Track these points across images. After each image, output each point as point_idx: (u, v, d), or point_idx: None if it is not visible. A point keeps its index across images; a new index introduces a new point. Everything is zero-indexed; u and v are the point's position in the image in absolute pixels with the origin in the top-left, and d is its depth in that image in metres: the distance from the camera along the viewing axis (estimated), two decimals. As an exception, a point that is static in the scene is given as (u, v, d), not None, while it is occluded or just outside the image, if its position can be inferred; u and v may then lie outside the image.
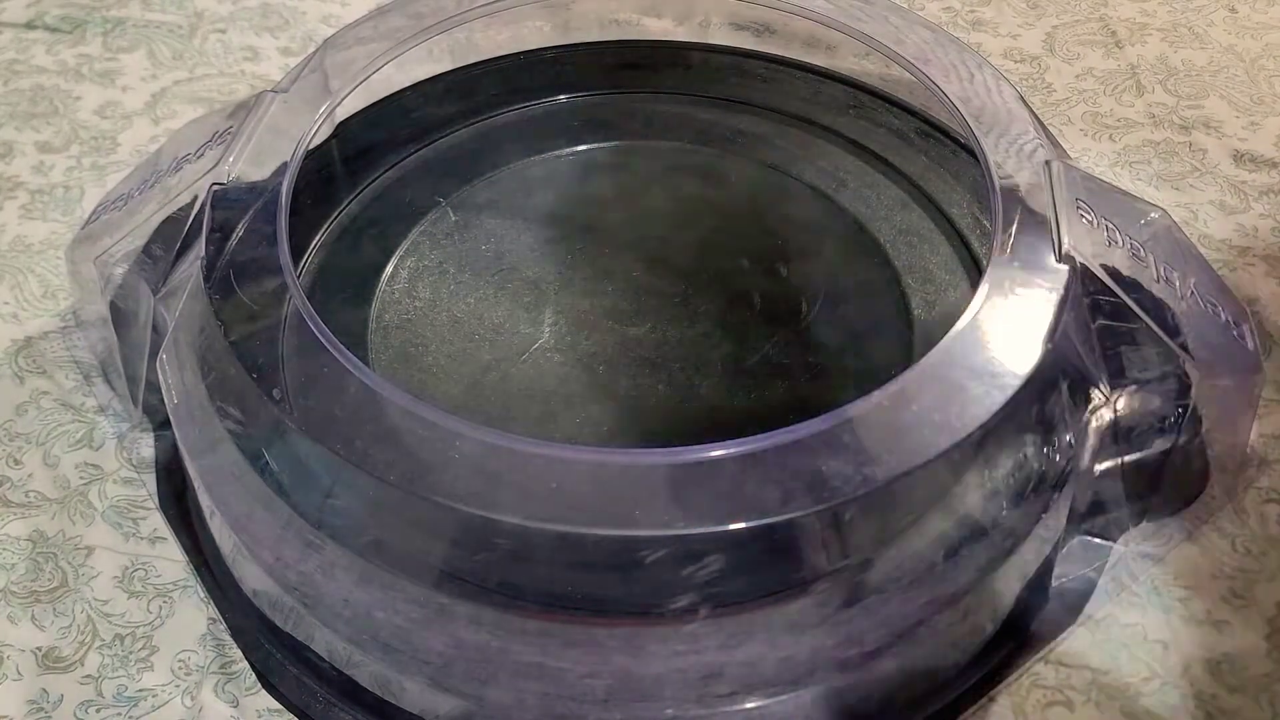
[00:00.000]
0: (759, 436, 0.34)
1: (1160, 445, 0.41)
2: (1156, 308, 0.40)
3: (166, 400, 0.41)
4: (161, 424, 0.46)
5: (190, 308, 0.41)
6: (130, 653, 0.41)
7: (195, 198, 0.43)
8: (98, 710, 0.40)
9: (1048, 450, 0.38)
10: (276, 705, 0.40)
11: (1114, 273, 0.40)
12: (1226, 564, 0.43)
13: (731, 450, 0.34)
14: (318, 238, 0.47)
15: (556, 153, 0.52)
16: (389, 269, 0.46)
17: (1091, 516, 0.42)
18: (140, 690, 0.40)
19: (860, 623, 0.37)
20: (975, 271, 0.45)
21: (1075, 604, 0.42)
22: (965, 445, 0.36)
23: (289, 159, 0.43)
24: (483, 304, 0.45)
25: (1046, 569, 0.42)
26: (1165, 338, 0.40)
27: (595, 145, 0.52)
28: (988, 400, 0.36)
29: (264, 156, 0.43)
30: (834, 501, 0.35)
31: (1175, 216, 0.54)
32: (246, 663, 0.41)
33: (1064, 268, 0.39)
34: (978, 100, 0.45)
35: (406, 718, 0.39)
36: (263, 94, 0.46)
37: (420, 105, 0.53)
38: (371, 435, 0.35)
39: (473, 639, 0.36)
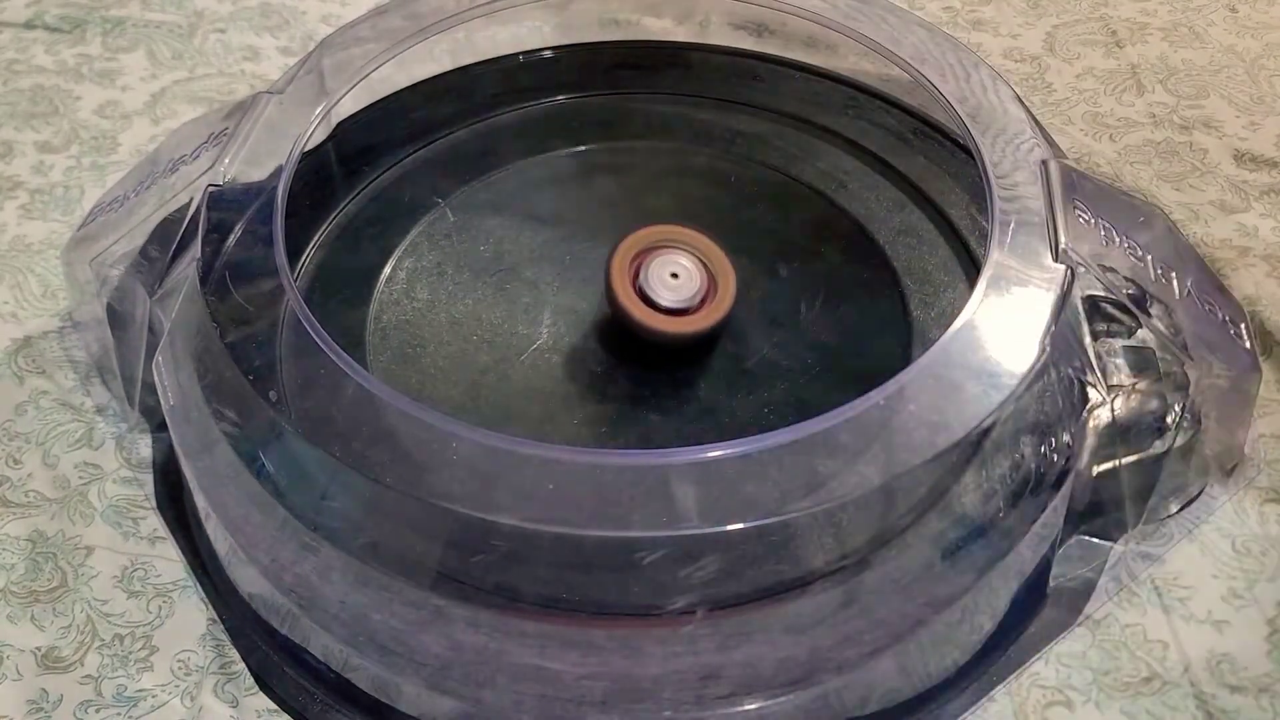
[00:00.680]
0: (757, 437, 0.34)
1: (1159, 445, 0.41)
2: (1154, 307, 0.40)
3: (163, 402, 0.41)
4: (159, 425, 0.46)
5: (186, 309, 0.41)
6: (130, 653, 0.41)
7: (192, 199, 0.43)
8: (97, 710, 0.40)
9: (1045, 450, 0.38)
10: (276, 706, 0.40)
11: (1111, 272, 0.40)
12: (1226, 564, 0.43)
13: (729, 450, 0.34)
14: (315, 239, 0.47)
15: (555, 153, 0.52)
16: (387, 270, 0.46)
17: (1090, 516, 0.42)
18: (140, 690, 0.40)
19: (858, 623, 0.37)
20: (973, 271, 0.45)
21: (1075, 604, 0.42)
22: (963, 445, 0.36)
23: (285, 160, 0.43)
24: (481, 305, 0.45)
25: (1045, 569, 0.42)
26: (1163, 337, 0.40)
27: (594, 145, 0.52)
28: (985, 400, 0.36)
29: (260, 157, 0.43)
30: (832, 502, 0.35)
31: (1176, 216, 0.54)
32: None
33: (1061, 267, 0.39)
34: (974, 100, 0.45)
35: (404, 720, 0.39)
36: (259, 95, 0.46)
37: (419, 105, 0.53)
38: (368, 437, 0.35)
39: (470, 641, 0.36)
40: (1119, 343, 0.41)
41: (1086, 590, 0.42)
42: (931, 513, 0.38)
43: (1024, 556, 0.39)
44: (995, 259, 0.39)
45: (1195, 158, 0.58)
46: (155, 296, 0.42)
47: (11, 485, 0.46)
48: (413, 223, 0.48)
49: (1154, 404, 0.41)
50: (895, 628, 0.37)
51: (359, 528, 0.37)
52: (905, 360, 0.42)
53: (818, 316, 0.45)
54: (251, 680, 0.41)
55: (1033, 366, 0.36)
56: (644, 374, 0.43)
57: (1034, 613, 0.42)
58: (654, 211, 0.49)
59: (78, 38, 0.67)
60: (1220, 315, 0.43)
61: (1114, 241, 0.41)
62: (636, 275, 0.42)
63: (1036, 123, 0.45)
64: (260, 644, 0.41)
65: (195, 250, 0.41)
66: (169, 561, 0.44)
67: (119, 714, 0.40)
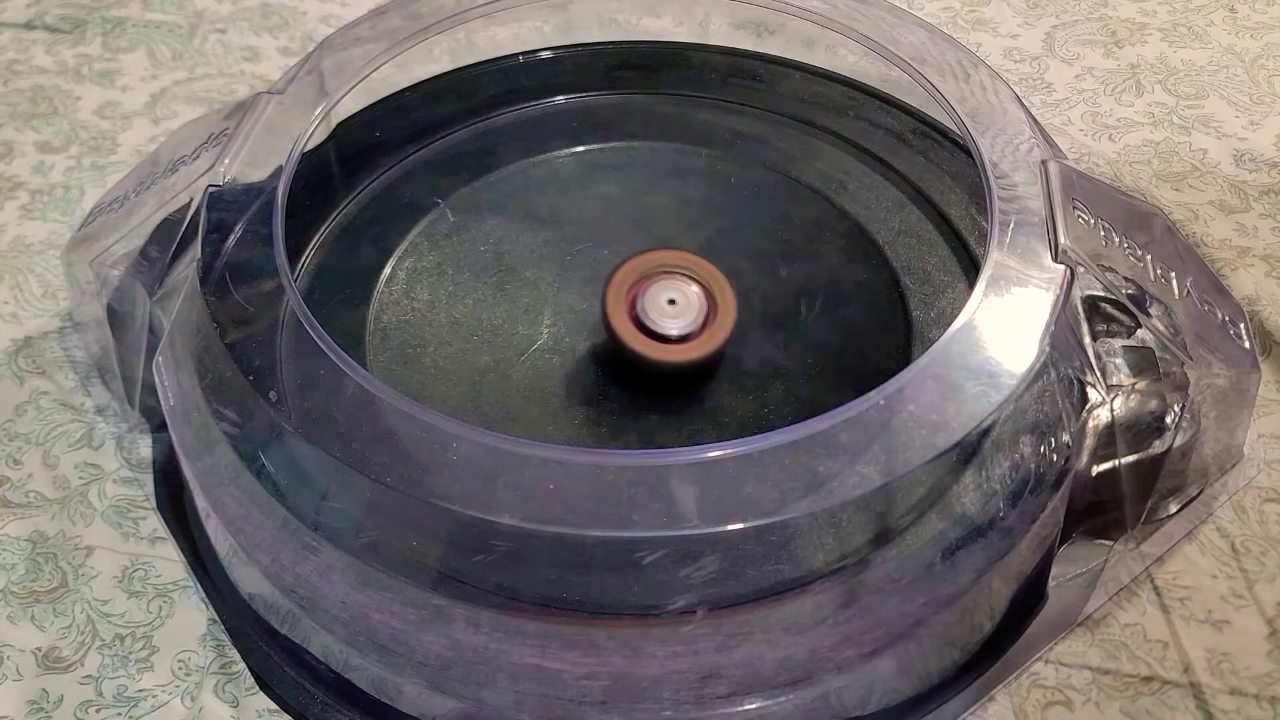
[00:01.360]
0: (757, 437, 0.34)
1: (1158, 445, 0.41)
2: (1154, 307, 0.40)
3: (163, 402, 0.41)
4: (159, 425, 0.46)
5: (186, 310, 0.41)
6: (130, 653, 0.41)
7: (192, 199, 0.43)
8: (97, 710, 0.40)
9: (1045, 450, 0.38)
10: (276, 706, 0.40)
11: (1111, 272, 0.40)
12: (1226, 564, 0.43)
13: (729, 451, 0.34)
14: (315, 239, 0.47)
15: (555, 153, 0.52)
16: (387, 270, 0.46)
17: (1090, 516, 0.42)
18: (140, 690, 0.40)
19: (858, 623, 0.37)
20: (973, 271, 0.45)
21: (1074, 604, 0.42)
22: (963, 445, 0.36)
23: (285, 160, 0.43)
24: (481, 305, 0.45)
25: (1045, 569, 0.42)
26: (1163, 337, 0.40)
27: (594, 146, 0.52)
28: (985, 400, 0.36)
29: (260, 158, 0.43)
30: (832, 502, 0.35)
31: (1175, 216, 0.54)
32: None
33: (1060, 267, 0.39)
34: (974, 100, 0.45)
35: None
36: (259, 95, 0.46)
37: (419, 106, 0.53)
38: (368, 437, 0.35)
39: (470, 641, 0.36)
40: (1119, 343, 0.41)
41: (1086, 590, 0.42)
42: (931, 513, 0.38)
43: (1024, 556, 0.39)
44: (995, 259, 0.39)
45: (1195, 158, 0.58)
46: (155, 297, 0.42)
47: (12, 485, 0.46)
48: (413, 223, 0.48)
49: (1153, 404, 0.41)
50: (895, 628, 0.37)
51: (359, 528, 0.38)
52: (905, 360, 0.42)
53: (818, 316, 0.45)
54: (252, 680, 0.41)
55: (1032, 366, 0.36)
56: (643, 374, 0.43)
57: (1034, 613, 0.42)
58: (654, 211, 0.49)
59: (78, 38, 0.67)
60: (1220, 315, 0.43)
61: (1113, 241, 0.41)
62: (634, 303, 0.41)
63: (1036, 123, 0.45)
64: (260, 644, 0.41)
65: (195, 251, 0.41)
66: (169, 562, 0.44)
67: (119, 714, 0.40)
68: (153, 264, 0.44)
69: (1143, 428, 0.41)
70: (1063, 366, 0.38)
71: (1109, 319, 0.40)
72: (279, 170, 0.43)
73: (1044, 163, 0.42)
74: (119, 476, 0.46)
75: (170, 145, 0.49)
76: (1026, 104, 0.45)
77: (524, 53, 0.55)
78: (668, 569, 0.35)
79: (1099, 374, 0.39)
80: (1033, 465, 0.38)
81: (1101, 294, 0.40)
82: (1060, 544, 0.42)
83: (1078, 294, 0.39)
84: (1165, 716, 0.40)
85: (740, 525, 0.34)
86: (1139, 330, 0.41)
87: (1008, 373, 0.36)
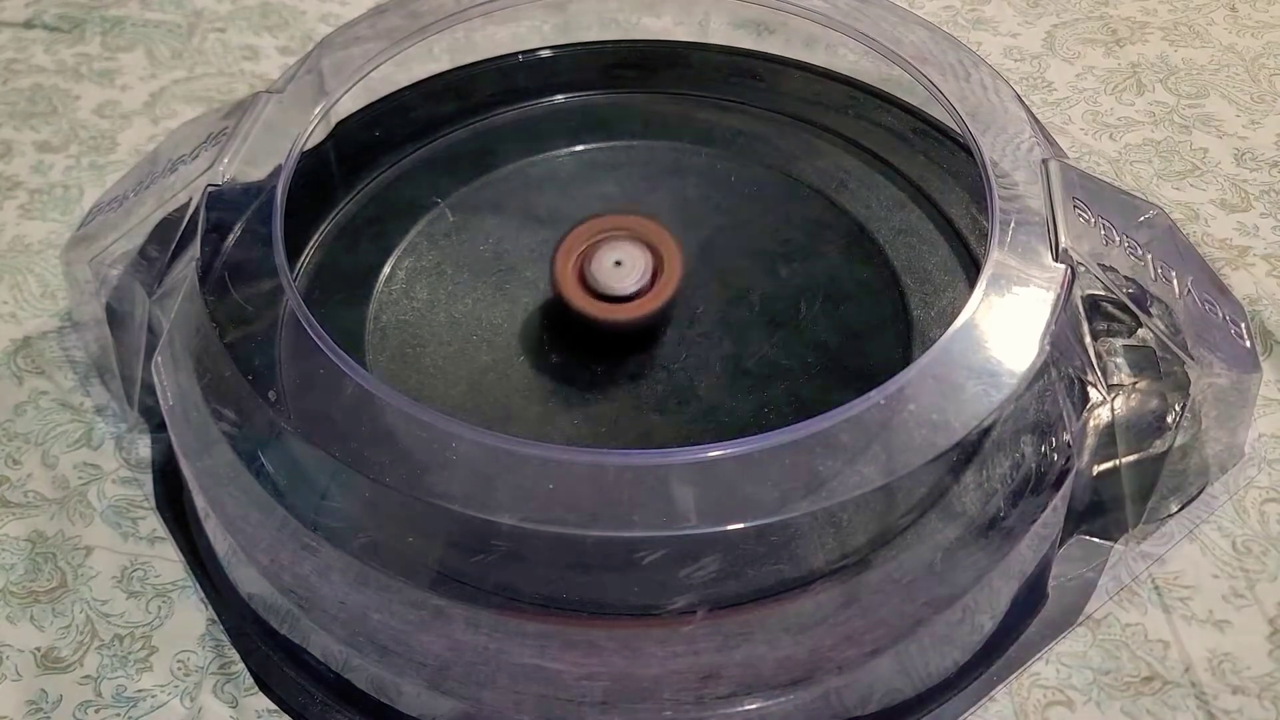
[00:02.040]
0: (757, 436, 0.34)
1: (1159, 444, 0.41)
2: (1155, 307, 0.40)
3: (161, 402, 0.41)
4: (158, 425, 0.46)
5: (185, 309, 0.41)
6: (129, 653, 0.41)
7: (191, 199, 0.43)
8: (97, 711, 0.40)
9: (1046, 450, 0.38)
10: (276, 706, 0.40)
11: (1112, 271, 0.40)
12: (1227, 563, 0.43)
13: (729, 450, 0.34)
14: (314, 238, 0.47)
15: (555, 153, 0.51)
16: (386, 269, 0.46)
17: (1090, 516, 0.42)
18: (139, 690, 0.40)
19: (859, 623, 0.37)
20: (973, 271, 0.45)
21: (1075, 604, 0.42)
22: (963, 445, 0.36)
23: (284, 160, 0.43)
24: (481, 305, 0.45)
25: (1045, 569, 0.42)
26: (1163, 337, 0.40)
27: (594, 145, 0.52)
28: (985, 400, 0.36)
29: (260, 157, 0.43)
30: (832, 502, 0.35)
31: (1176, 215, 0.54)
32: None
33: (1061, 267, 0.39)
34: (974, 99, 0.45)
35: (404, 720, 0.39)
36: (258, 94, 0.46)
37: (418, 105, 0.53)
38: (368, 437, 0.35)
39: (470, 641, 0.36)
40: (1119, 342, 0.41)
41: (1087, 590, 0.42)
42: (932, 512, 0.38)
43: (1024, 556, 0.39)
44: (995, 258, 0.39)
45: (1195, 157, 0.58)
46: (154, 296, 0.42)
47: (11, 485, 0.46)
48: (412, 222, 0.48)
49: (1154, 403, 0.41)
50: (895, 628, 0.37)
51: (358, 528, 0.37)
52: (905, 360, 0.42)
53: (818, 316, 0.44)
54: (251, 680, 0.41)
55: (1033, 366, 0.36)
56: (643, 374, 0.43)
57: (1034, 612, 0.42)
58: (654, 211, 0.49)
59: (77, 37, 0.67)
60: (1220, 314, 0.43)
61: (1114, 241, 0.41)
62: (582, 266, 0.43)
63: (1036, 122, 0.45)
64: (260, 644, 0.41)
65: (194, 250, 0.41)
66: (168, 562, 0.44)
67: (118, 714, 0.40)
68: (152, 263, 0.44)
69: (1143, 427, 0.41)
70: (1063, 366, 0.38)
71: (1109, 318, 0.40)
72: (278, 169, 0.43)
73: (1045, 162, 0.42)
74: (118, 476, 0.46)
75: (169, 145, 0.48)
76: (1027, 103, 0.45)
77: (523, 52, 0.55)
78: (668, 569, 0.35)
79: (1099, 373, 0.39)
80: (1033, 465, 0.38)
81: (1102, 293, 0.40)
82: (1061, 544, 0.42)
83: (1078, 293, 0.39)
84: (1166, 716, 0.39)
85: (740, 525, 0.34)
86: (1139, 330, 0.41)
87: (1008, 372, 0.36)
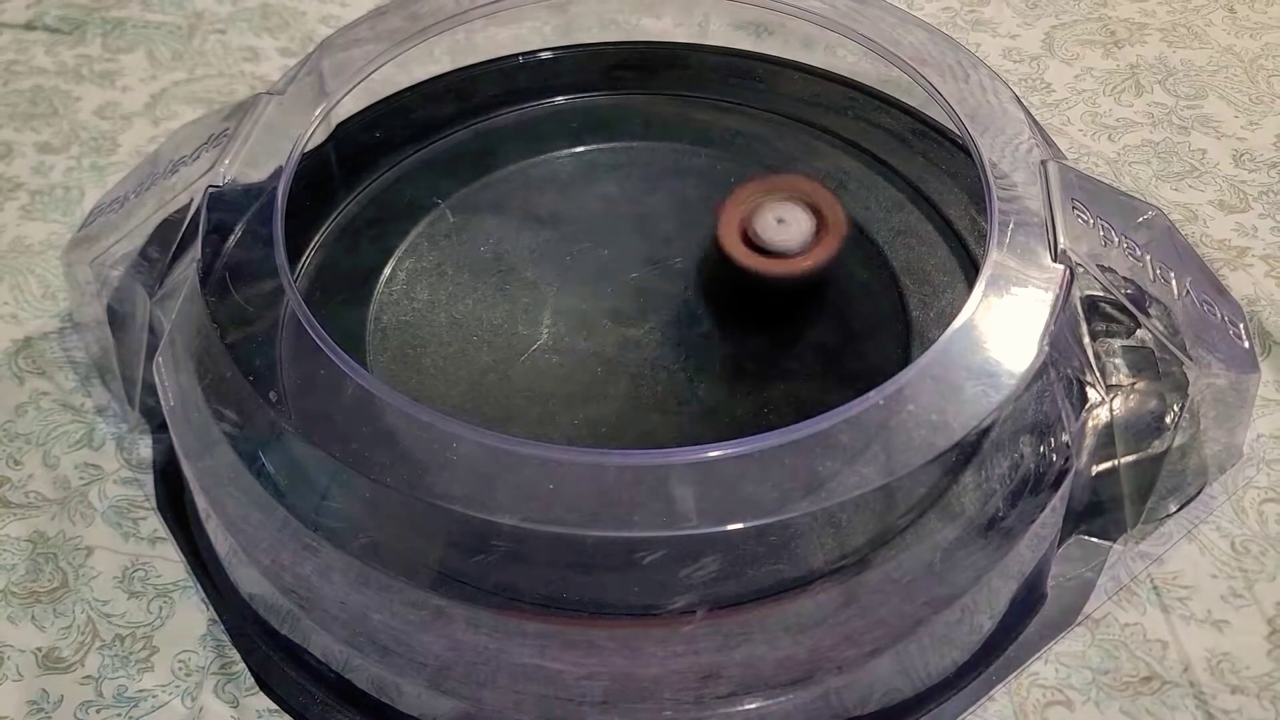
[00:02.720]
0: (756, 437, 0.34)
1: (1157, 445, 0.41)
2: (1153, 307, 0.40)
3: (163, 403, 0.41)
4: (159, 426, 0.46)
5: (186, 310, 0.41)
6: (130, 653, 0.41)
7: (191, 200, 0.43)
8: (98, 711, 0.40)
9: (1045, 450, 0.38)
10: (277, 706, 0.40)
11: (1110, 272, 0.40)
12: (1226, 563, 0.43)
13: (729, 451, 0.34)
14: (315, 239, 0.47)
15: (555, 154, 0.52)
16: (387, 270, 0.46)
17: (1089, 516, 0.42)
18: (140, 691, 0.40)
19: (858, 623, 0.37)
20: (972, 272, 0.45)
21: (1074, 604, 0.42)
22: (962, 445, 0.36)
23: (285, 161, 0.43)
24: (481, 305, 0.45)
25: (1044, 569, 0.42)
26: (1162, 337, 0.40)
27: (594, 146, 0.52)
28: (984, 400, 0.36)
29: (260, 158, 0.43)
30: (831, 502, 0.35)
31: (1174, 216, 0.54)
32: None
33: (1060, 267, 0.39)
34: (973, 100, 0.45)
35: (404, 720, 0.39)
36: (259, 96, 0.46)
37: (419, 106, 0.53)
38: (368, 437, 0.35)
39: (470, 641, 0.36)
40: (1118, 343, 0.41)
41: (1085, 590, 0.42)
42: (931, 513, 0.38)
43: (1023, 556, 0.39)
44: (994, 259, 0.39)
45: (1194, 158, 0.58)
46: (155, 297, 0.42)
47: (12, 486, 0.46)
48: (413, 223, 0.48)
49: (1153, 404, 0.41)
50: (895, 627, 0.37)
51: (359, 528, 0.38)
52: (904, 360, 0.42)
53: (817, 317, 0.45)
54: (252, 680, 0.41)
55: (1032, 366, 0.36)
56: (643, 375, 0.43)
57: (1033, 612, 0.42)
58: (654, 211, 0.49)
59: (77, 39, 0.67)
60: (1219, 315, 0.43)
61: (1113, 241, 0.41)
62: (744, 224, 0.44)
63: (1035, 123, 0.45)
64: (260, 644, 0.41)
65: (195, 251, 0.41)
66: (169, 562, 0.44)
67: (119, 714, 0.40)
68: (153, 264, 0.44)
69: (1142, 427, 0.41)
70: (1062, 366, 0.38)
71: (1108, 319, 0.40)
72: (279, 171, 0.43)
73: (1043, 163, 0.42)
74: (119, 477, 0.46)
75: (170, 146, 0.49)
76: (1026, 104, 0.45)
77: (524, 53, 0.55)
78: (668, 569, 0.35)
79: (1098, 374, 0.39)
80: (1032, 465, 0.38)
81: (1101, 294, 0.40)
82: (1060, 544, 0.42)
83: (1077, 294, 0.39)
84: (1165, 716, 0.40)
85: (740, 525, 0.34)
86: (1138, 330, 0.41)
87: (1007, 373, 0.36)
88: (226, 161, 0.43)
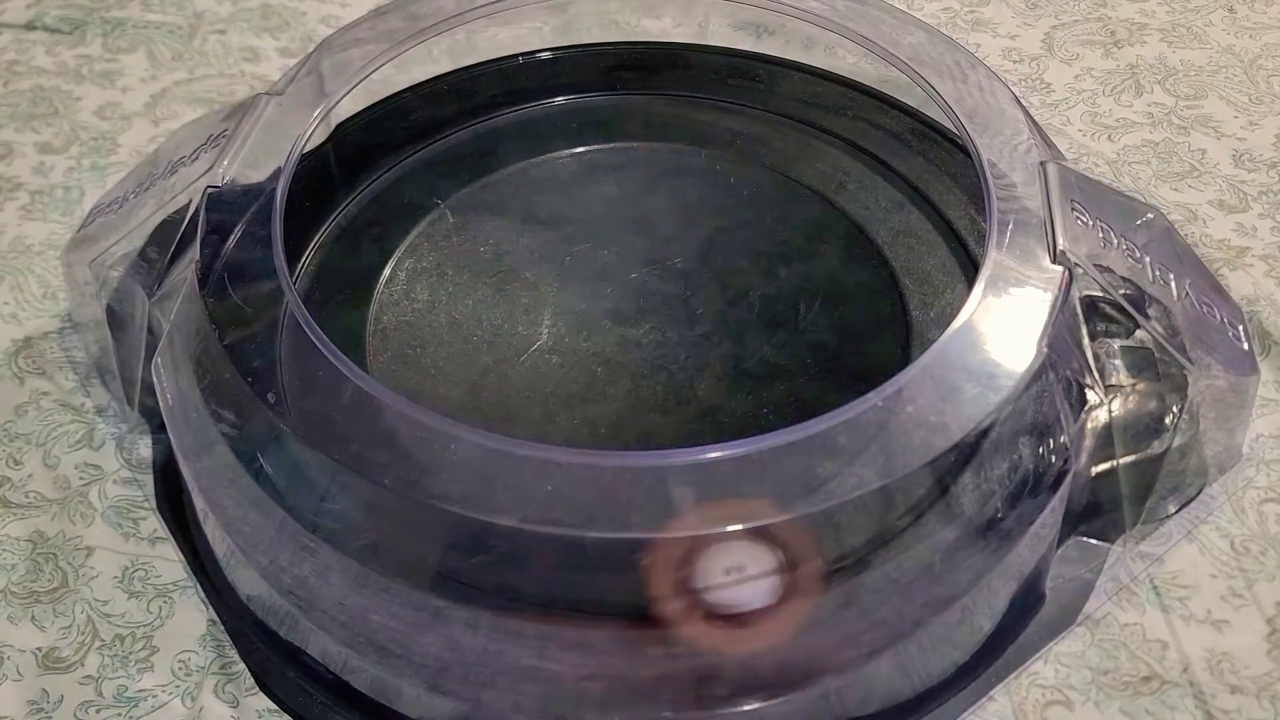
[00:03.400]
0: (756, 438, 0.34)
1: (1157, 445, 0.41)
2: (1153, 308, 0.40)
3: (161, 404, 0.41)
4: (159, 426, 0.46)
5: (185, 311, 0.41)
6: (130, 653, 0.41)
7: (191, 201, 0.43)
8: (98, 711, 0.40)
9: (1044, 451, 0.38)
10: (276, 707, 0.40)
11: (1109, 273, 0.40)
12: (1225, 563, 0.43)
13: (728, 452, 0.34)
14: (314, 240, 0.47)
15: (555, 154, 0.52)
16: (386, 271, 0.46)
17: (1089, 517, 0.42)
18: (140, 690, 0.40)
19: (858, 624, 0.37)
20: (972, 272, 0.45)
21: (1073, 604, 0.42)
22: (961, 446, 0.36)
23: (284, 161, 0.43)
24: (481, 306, 0.45)
25: (1044, 569, 0.42)
26: (1161, 338, 0.40)
27: (594, 147, 0.52)
28: (984, 401, 0.36)
29: (259, 159, 0.44)
30: (830, 503, 0.35)
31: (1174, 217, 0.54)
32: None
33: (1059, 268, 0.39)
34: (972, 100, 0.45)
35: (403, 721, 0.39)
36: (258, 96, 0.46)
37: (418, 107, 0.53)
38: (367, 438, 0.35)
39: (469, 642, 0.36)
40: (1117, 343, 0.41)
41: (1085, 590, 0.42)
42: (930, 513, 0.38)
43: (1022, 557, 0.39)
44: (993, 260, 0.39)
45: (1194, 158, 0.58)
46: (154, 298, 0.42)
47: (12, 486, 0.46)
48: (412, 224, 0.48)
49: (1152, 404, 0.41)
50: (895, 628, 0.37)
51: (358, 529, 0.38)
52: (904, 361, 0.42)
53: (817, 316, 0.45)
54: (251, 681, 0.41)
55: (1031, 367, 0.36)
56: (643, 375, 0.43)
57: (1033, 613, 0.42)
58: (654, 212, 0.49)
59: (78, 39, 0.67)
60: (1218, 316, 0.43)
61: (1112, 242, 0.41)
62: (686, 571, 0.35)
63: (1034, 123, 0.45)
64: (260, 645, 0.41)
65: (194, 252, 0.41)
66: (169, 562, 0.44)
67: (119, 714, 0.40)
68: (152, 265, 0.44)
69: (1141, 428, 0.41)
70: (1061, 367, 0.38)
71: (1107, 320, 0.40)
72: (278, 171, 0.43)
73: (1042, 163, 0.42)
74: (119, 477, 0.46)
75: (169, 146, 0.49)
76: (1025, 104, 0.46)
77: (524, 53, 0.55)
78: (667, 570, 0.35)
79: (1097, 375, 0.39)
80: (1031, 466, 0.38)
81: (1100, 295, 0.40)
82: (1059, 545, 0.42)
83: (1076, 295, 0.39)
84: (1165, 716, 0.40)
85: (739, 526, 0.34)
86: (1137, 331, 0.41)
87: (1006, 374, 0.36)
88: (226, 162, 0.43)
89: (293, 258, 0.45)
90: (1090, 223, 0.41)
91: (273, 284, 0.39)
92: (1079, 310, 0.39)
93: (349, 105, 0.50)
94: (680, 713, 0.37)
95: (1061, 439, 0.38)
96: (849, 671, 0.37)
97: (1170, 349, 0.40)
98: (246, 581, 0.41)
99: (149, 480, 0.46)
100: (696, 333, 0.44)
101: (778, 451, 0.34)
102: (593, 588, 0.37)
